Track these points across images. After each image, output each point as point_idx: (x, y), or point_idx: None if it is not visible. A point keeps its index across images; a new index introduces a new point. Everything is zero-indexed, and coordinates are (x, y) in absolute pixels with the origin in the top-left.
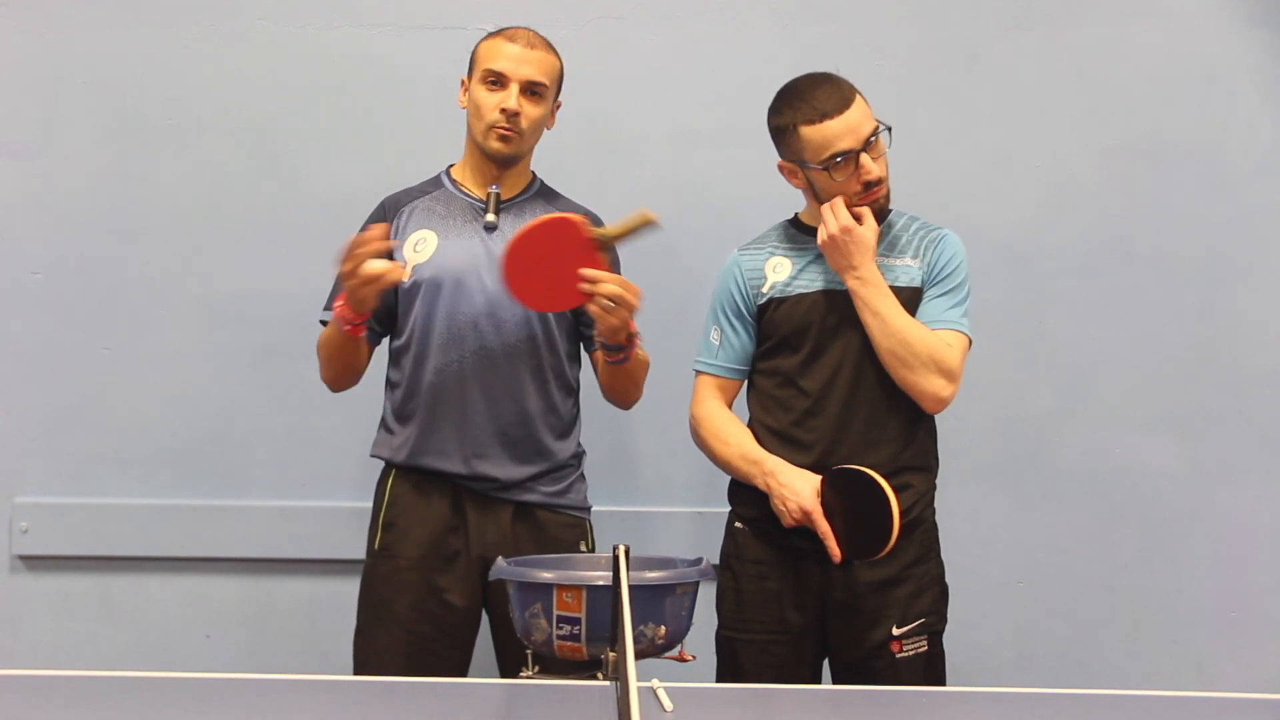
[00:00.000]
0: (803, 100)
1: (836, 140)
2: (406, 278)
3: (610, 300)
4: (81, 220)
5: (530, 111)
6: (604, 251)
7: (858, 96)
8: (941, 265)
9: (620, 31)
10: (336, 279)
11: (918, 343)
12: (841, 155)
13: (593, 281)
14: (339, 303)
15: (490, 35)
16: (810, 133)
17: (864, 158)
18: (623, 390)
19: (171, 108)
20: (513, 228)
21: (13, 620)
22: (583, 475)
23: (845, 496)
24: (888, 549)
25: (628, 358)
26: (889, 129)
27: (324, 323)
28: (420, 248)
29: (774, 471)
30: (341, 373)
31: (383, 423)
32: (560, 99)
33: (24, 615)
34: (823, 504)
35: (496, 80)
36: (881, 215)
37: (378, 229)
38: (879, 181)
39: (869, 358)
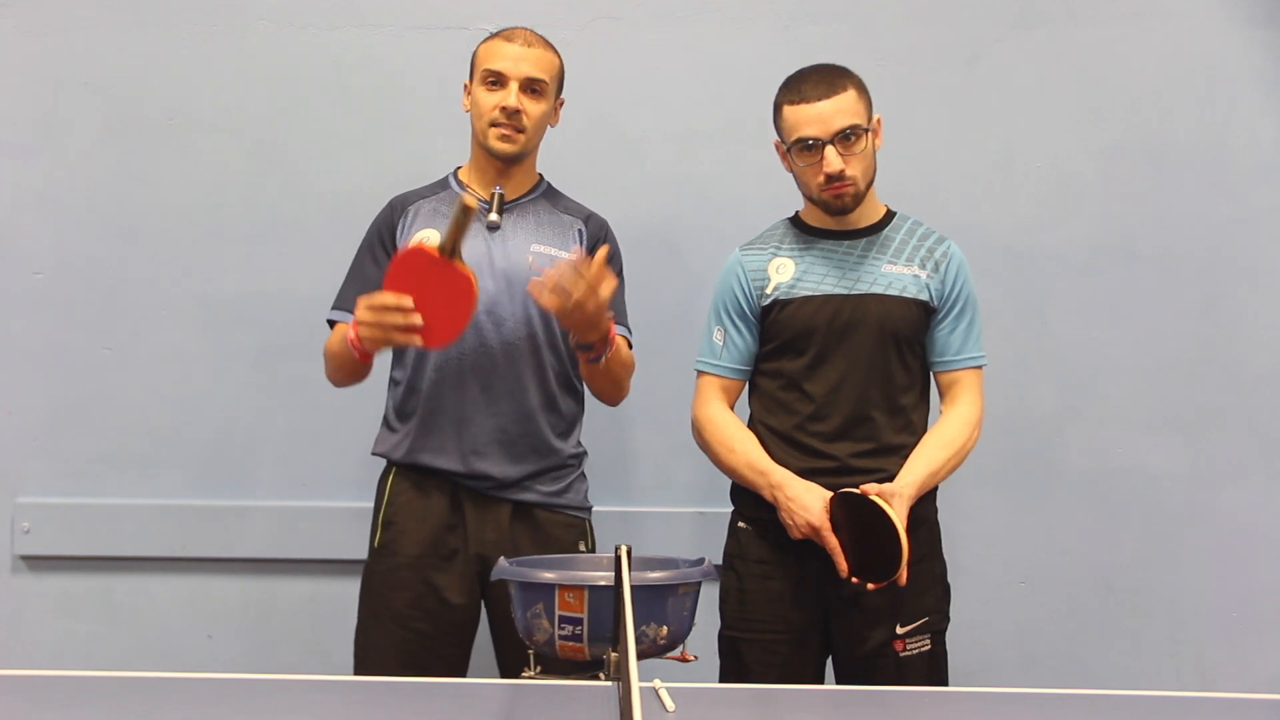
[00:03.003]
0: (794, 81)
1: (804, 125)
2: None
3: (567, 292)
4: (82, 220)
5: (531, 109)
6: (457, 258)
7: (850, 92)
8: (956, 290)
9: (620, 31)
10: (344, 282)
11: (962, 457)
12: (807, 141)
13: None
14: (352, 331)
15: (489, 37)
16: (788, 112)
17: (829, 150)
18: (600, 389)
19: (172, 108)
20: (516, 228)
21: (14, 620)
22: (584, 475)
23: (854, 515)
24: (897, 575)
25: (599, 357)
26: (868, 130)
27: (331, 322)
28: None
29: (782, 485)
30: (348, 380)
31: (385, 420)
32: (563, 96)
33: (26, 615)
34: (831, 519)
35: (496, 80)
36: (885, 220)
37: (405, 300)
38: (841, 176)
39: (874, 362)
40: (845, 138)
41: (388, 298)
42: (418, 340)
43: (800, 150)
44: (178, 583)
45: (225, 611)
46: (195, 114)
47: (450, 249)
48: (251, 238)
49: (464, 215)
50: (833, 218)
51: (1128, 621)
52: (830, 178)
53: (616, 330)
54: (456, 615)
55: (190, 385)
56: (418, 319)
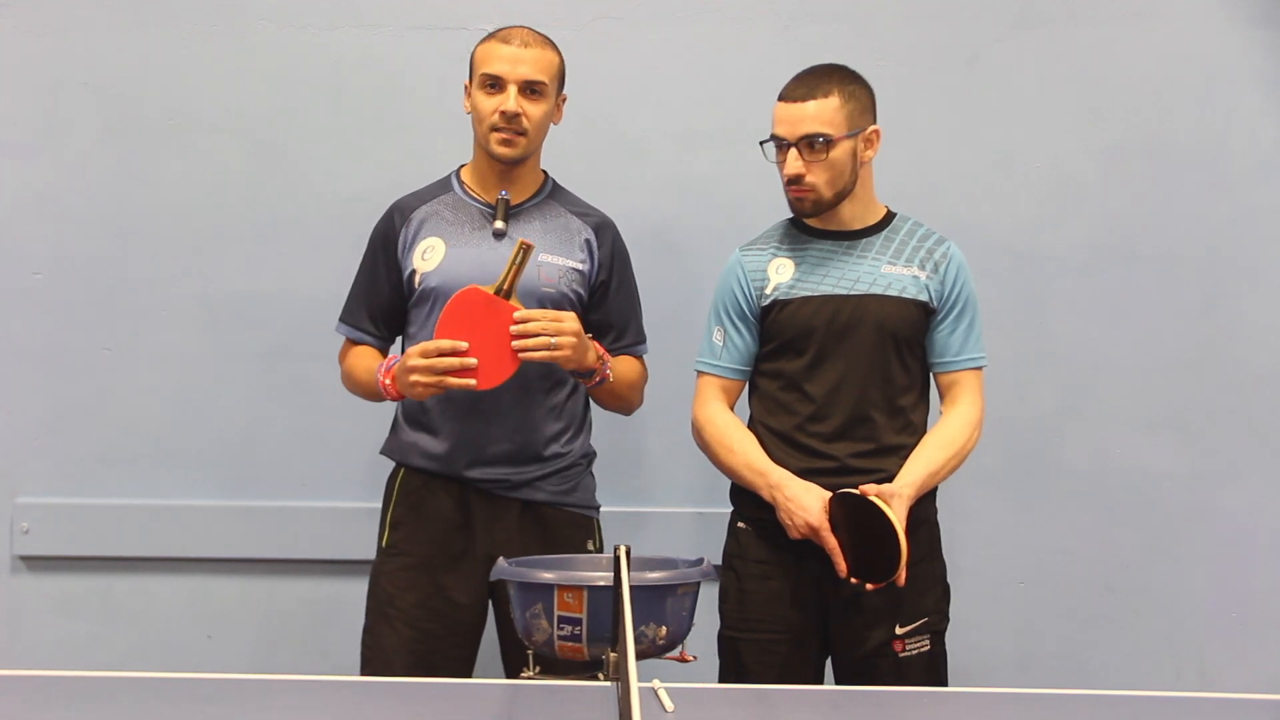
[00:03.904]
0: (793, 77)
1: (778, 122)
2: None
3: (546, 336)
4: (82, 220)
5: (531, 111)
6: (509, 298)
7: (833, 100)
8: (956, 291)
9: (620, 31)
10: (351, 294)
11: (961, 458)
12: (779, 140)
13: (521, 323)
14: (386, 378)
15: (486, 38)
16: (775, 107)
17: (790, 153)
18: (609, 406)
19: (172, 108)
20: (522, 233)
21: (14, 620)
22: (591, 474)
23: (853, 515)
24: (896, 576)
25: (599, 381)
26: (837, 140)
27: (343, 331)
28: (429, 255)
29: (780, 485)
30: (371, 400)
31: (394, 422)
32: (565, 93)
33: (25, 616)
34: (830, 519)
35: (494, 83)
36: (885, 221)
37: (459, 344)
38: (798, 180)
39: (874, 362)
40: (810, 144)
41: (442, 344)
42: (472, 383)
43: (774, 146)
44: (178, 583)
45: (225, 611)
46: (195, 114)
47: (508, 290)
48: (251, 238)
49: (523, 256)
50: (814, 220)
51: (1128, 621)
52: (789, 180)
53: (630, 350)
54: (464, 615)
55: (190, 385)
56: (472, 362)
